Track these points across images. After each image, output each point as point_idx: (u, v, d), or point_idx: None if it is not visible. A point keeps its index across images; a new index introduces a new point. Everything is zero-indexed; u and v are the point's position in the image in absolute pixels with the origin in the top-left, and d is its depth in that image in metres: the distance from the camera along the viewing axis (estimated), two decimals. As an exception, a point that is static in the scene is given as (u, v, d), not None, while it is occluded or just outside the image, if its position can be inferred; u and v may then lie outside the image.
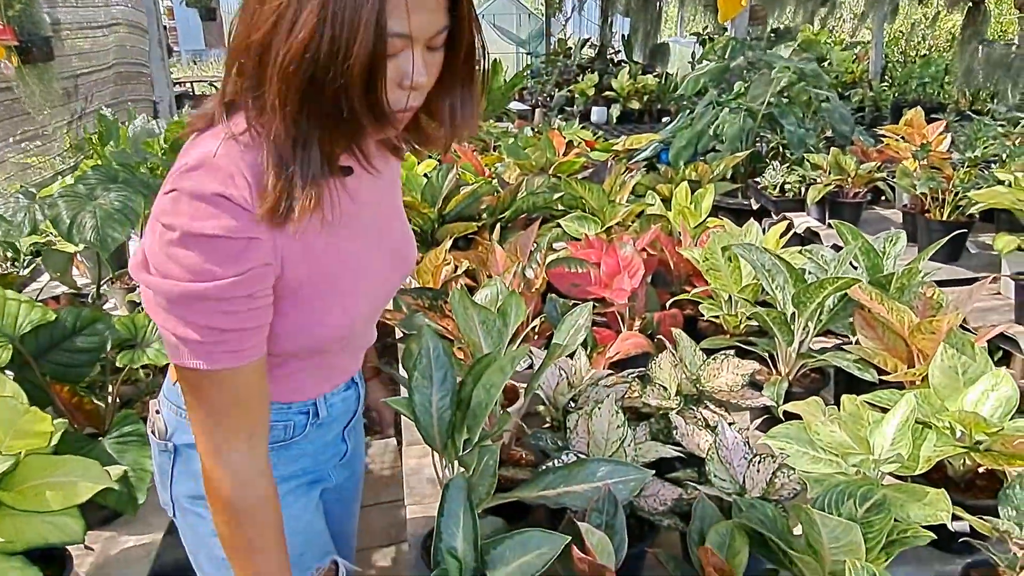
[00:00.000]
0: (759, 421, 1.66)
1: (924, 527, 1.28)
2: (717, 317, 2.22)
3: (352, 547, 1.30)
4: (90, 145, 3.48)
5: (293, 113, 0.79)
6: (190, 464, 1.07)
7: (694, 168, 3.09)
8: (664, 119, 7.05)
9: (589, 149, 3.88)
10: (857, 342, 1.88)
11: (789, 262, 1.90)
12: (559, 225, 2.62)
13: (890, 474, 1.48)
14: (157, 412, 1.12)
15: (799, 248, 2.31)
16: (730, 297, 2.23)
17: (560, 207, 2.78)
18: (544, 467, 1.35)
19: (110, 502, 1.61)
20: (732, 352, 1.76)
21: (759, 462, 1.41)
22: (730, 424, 1.48)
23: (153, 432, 1.13)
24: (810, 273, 2.11)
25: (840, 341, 2.15)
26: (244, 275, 0.82)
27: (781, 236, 2.50)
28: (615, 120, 7.12)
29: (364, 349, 1.19)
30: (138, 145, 3.30)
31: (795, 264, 1.99)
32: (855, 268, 2.12)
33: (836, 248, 2.41)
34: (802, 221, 3.72)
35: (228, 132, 0.83)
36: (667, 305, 2.20)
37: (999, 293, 2.94)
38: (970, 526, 1.48)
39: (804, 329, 1.94)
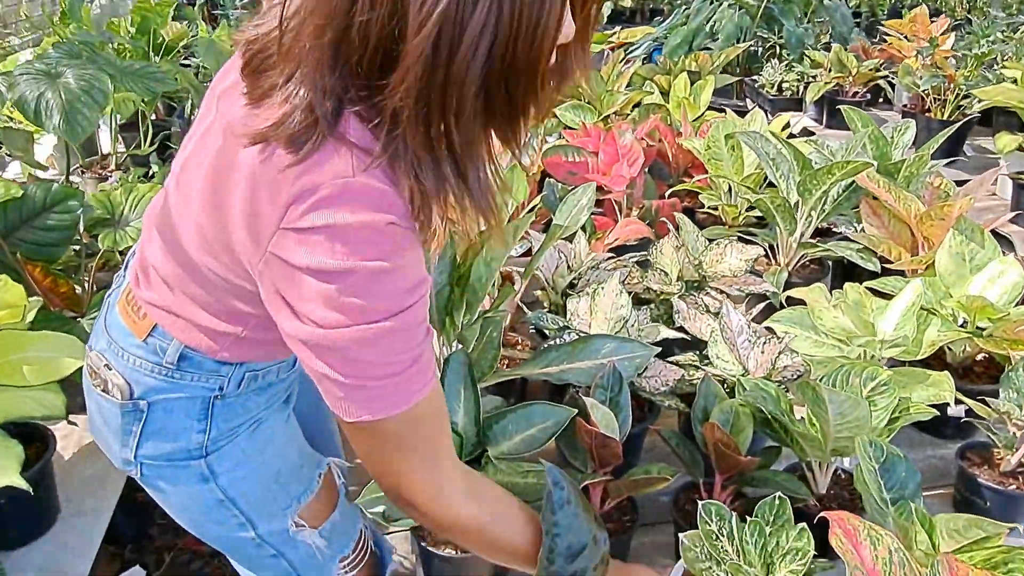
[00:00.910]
0: (760, 308, 1.63)
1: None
2: (716, 208, 2.16)
3: (338, 444, 1.19)
4: (51, 24, 3.26)
5: (464, 119, 0.61)
6: (169, 422, 0.88)
7: (694, 58, 2.98)
8: (656, 19, 6.79)
9: (582, 41, 3.70)
10: (862, 230, 1.84)
11: (797, 147, 1.83)
12: (554, 114, 2.51)
13: (890, 359, 1.46)
14: (107, 367, 0.88)
15: (804, 139, 2.23)
16: (730, 188, 2.16)
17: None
18: (546, 345, 1.31)
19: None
20: (735, 238, 1.70)
21: (763, 344, 1.38)
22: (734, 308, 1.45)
23: (105, 391, 0.88)
24: (815, 163, 2.05)
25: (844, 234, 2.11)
26: (425, 293, 0.70)
27: (782, 130, 2.42)
28: (606, 19, 6.84)
29: None
30: (102, 26, 3.09)
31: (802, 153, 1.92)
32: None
33: (839, 141, 2.34)
34: (798, 120, 3.62)
35: (353, 146, 0.64)
36: (666, 195, 2.13)
37: (995, 194, 2.91)
38: (965, 411, 1.48)
39: (807, 218, 1.88)
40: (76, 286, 1.79)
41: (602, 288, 1.39)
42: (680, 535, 1.00)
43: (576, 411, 1.09)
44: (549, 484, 0.86)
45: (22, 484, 1.05)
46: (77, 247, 1.88)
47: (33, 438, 1.43)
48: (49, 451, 1.45)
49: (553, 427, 1.08)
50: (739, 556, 0.96)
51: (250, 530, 0.93)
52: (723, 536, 0.97)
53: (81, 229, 1.82)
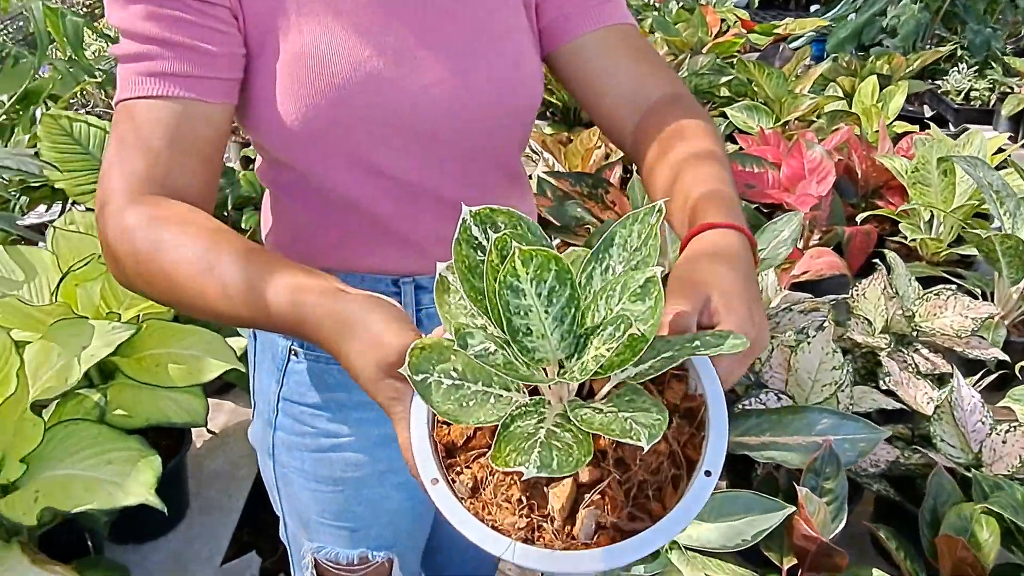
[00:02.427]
0: (982, 377, 1.37)
1: None
2: (913, 239, 1.88)
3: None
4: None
5: None
6: (263, 360, 0.87)
7: (887, 60, 2.65)
8: (813, 7, 6.30)
9: (747, 31, 3.41)
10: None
11: (1038, 183, 1.53)
12: (723, 115, 2.27)
13: None
14: None
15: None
16: (931, 217, 1.88)
17: (724, 93, 2.41)
18: (741, 407, 1.11)
19: (228, 376, 1.48)
20: (956, 289, 1.44)
21: (1006, 432, 1.13)
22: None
23: None
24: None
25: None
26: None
27: (994, 154, 2.09)
28: (757, 4, 6.40)
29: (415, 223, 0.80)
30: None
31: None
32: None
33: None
34: (990, 137, 3.21)
35: None
36: (857, 220, 1.87)
37: None
38: None
39: (1038, 267, 1.59)
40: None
41: (808, 342, 1.18)
42: None
43: (795, 508, 0.90)
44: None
45: (156, 503, 0.96)
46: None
47: (168, 433, 1.37)
48: (184, 447, 1.39)
49: (764, 523, 0.89)
50: None
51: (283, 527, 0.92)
52: None
53: (229, 207, 1.76)
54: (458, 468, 0.52)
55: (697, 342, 0.52)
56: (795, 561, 0.98)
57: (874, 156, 1.95)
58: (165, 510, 0.97)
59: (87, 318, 1.11)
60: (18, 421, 1.00)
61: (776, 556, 1.01)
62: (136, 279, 0.64)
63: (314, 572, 0.91)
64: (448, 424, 0.55)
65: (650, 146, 0.75)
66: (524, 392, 0.52)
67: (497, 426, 0.49)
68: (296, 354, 0.83)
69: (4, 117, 2.03)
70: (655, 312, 0.49)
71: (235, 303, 0.59)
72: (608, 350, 0.47)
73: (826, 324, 1.19)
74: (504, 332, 0.49)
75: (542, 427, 0.48)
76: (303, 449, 0.87)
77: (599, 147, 2.03)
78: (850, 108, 2.36)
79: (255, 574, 1.68)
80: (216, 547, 1.38)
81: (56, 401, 1.15)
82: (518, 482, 0.51)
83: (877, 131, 2.16)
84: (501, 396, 0.51)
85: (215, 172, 0.70)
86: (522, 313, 0.49)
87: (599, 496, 0.50)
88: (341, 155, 0.73)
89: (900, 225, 1.82)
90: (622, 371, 0.52)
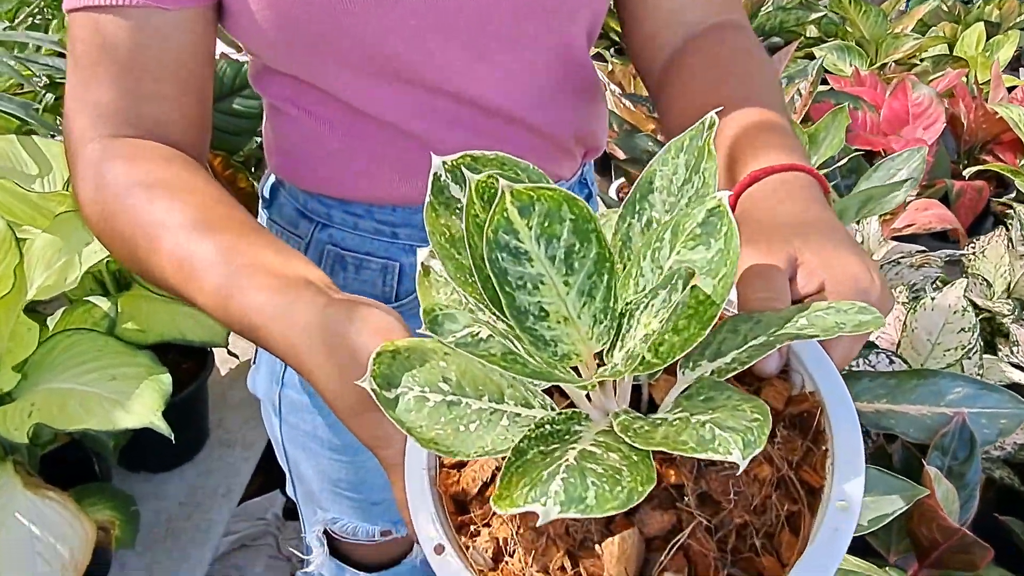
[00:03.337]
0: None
1: None
2: (1021, 200, 1.67)
3: None
4: None
5: None
6: None
7: (997, 4, 2.39)
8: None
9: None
10: None
11: None
12: (810, 56, 2.05)
13: None
14: None
15: None
16: (1049, 178, 1.65)
17: (812, 33, 2.18)
18: (848, 368, 0.94)
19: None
20: (1093, 251, 1.24)
21: None
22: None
23: None
24: None
25: None
26: None
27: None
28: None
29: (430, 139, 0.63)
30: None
31: None
32: None
33: None
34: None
35: None
36: (965, 175, 1.66)
37: None
38: None
39: None
40: (255, 183, 1.60)
41: (932, 299, 1.00)
42: None
43: (927, 491, 0.73)
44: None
45: (162, 428, 0.83)
46: (261, 140, 1.68)
47: (189, 354, 1.25)
48: (205, 371, 1.27)
49: (887, 507, 0.73)
50: None
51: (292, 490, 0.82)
52: None
53: (267, 119, 1.61)
54: (474, 528, 0.36)
55: (803, 319, 0.35)
56: (911, 553, 0.82)
57: (987, 105, 1.73)
58: (172, 436, 0.84)
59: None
60: (14, 325, 0.88)
61: (884, 546, 0.85)
62: (110, 248, 0.53)
63: (324, 542, 0.77)
64: (459, 468, 0.38)
65: (682, 77, 0.57)
66: (553, 409, 0.35)
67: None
68: None
69: (39, 15, 1.91)
70: (728, 257, 0.33)
71: (212, 309, 0.46)
72: (661, 322, 0.30)
73: (959, 282, 1.01)
74: (504, 316, 0.32)
75: (573, 448, 0.31)
76: (317, 412, 0.72)
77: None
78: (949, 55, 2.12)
79: (277, 514, 1.57)
80: (236, 483, 1.26)
81: (63, 309, 1.02)
82: (559, 540, 0.34)
83: (988, 81, 1.93)
84: (518, 415, 0.34)
85: (200, 100, 0.55)
86: (528, 286, 0.32)
87: (679, 553, 0.33)
88: (355, 54, 0.56)
89: (1018, 182, 1.61)
90: (693, 368, 0.35)
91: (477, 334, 0.31)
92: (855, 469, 0.35)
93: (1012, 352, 1.09)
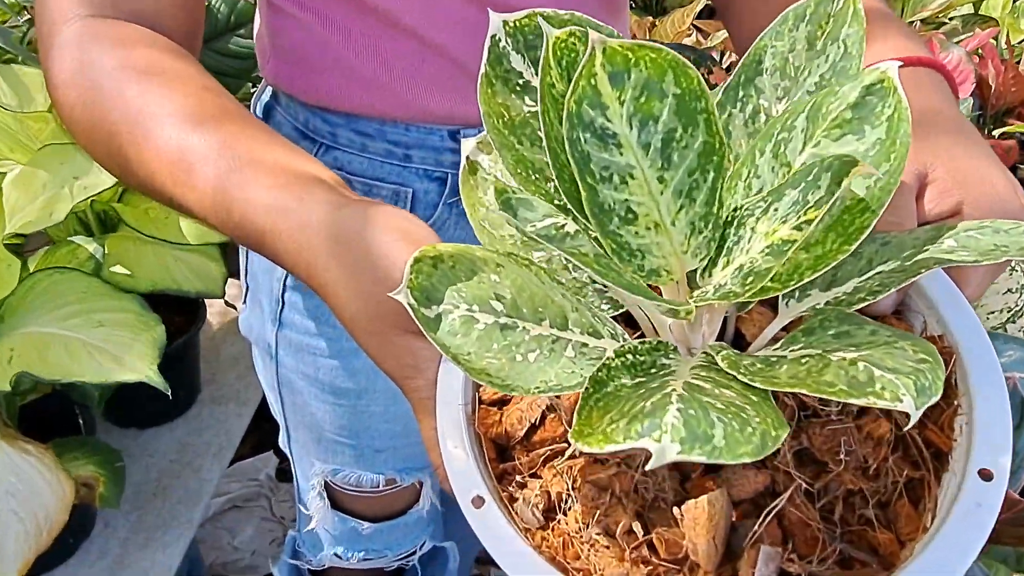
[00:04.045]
0: None
1: None
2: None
3: None
4: None
5: None
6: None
7: (1026, -34, 2.30)
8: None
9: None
10: None
11: None
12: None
13: None
14: None
15: None
16: (1080, 144, 1.59)
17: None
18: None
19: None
20: None
21: None
22: None
23: None
24: None
25: None
26: None
27: None
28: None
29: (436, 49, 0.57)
30: None
31: None
32: None
33: None
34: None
35: None
36: (995, 135, 1.59)
37: None
38: None
39: None
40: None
41: (977, 259, 0.94)
42: None
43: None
44: None
45: (158, 382, 0.76)
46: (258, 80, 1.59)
47: (180, 307, 1.18)
48: (198, 322, 1.20)
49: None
50: None
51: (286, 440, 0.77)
52: None
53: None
54: (519, 477, 0.30)
55: (951, 240, 0.28)
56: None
57: (1017, 68, 1.65)
58: (168, 391, 0.78)
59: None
60: (-10, 262, 0.81)
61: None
62: (87, 141, 0.45)
63: (325, 495, 0.71)
64: (501, 406, 0.31)
65: None
66: (626, 340, 0.29)
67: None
68: None
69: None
70: (892, 148, 0.26)
71: (208, 210, 0.40)
72: (800, 226, 0.23)
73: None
74: (584, 216, 0.25)
75: (672, 382, 0.24)
76: (316, 353, 0.66)
77: (690, 33, 1.75)
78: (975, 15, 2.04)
79: (271, 474, 1.51)
80: (228, 441, 1.20)
81: (44, 249, 0.95)
82: (625, 498, 0.28)
83: (1021, 41, 1.85)
84: (585, 346, 0.28)
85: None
86: (615, 179, 0.25)
87: (775, 522, 0.27)
88: None
89: (1048, 146, 1.55)
90: (800, 299, 0.28)
91: (563, 227, 0.24)
92: (1001, 431, 0.28)
93: (1052, 318, 1.03)
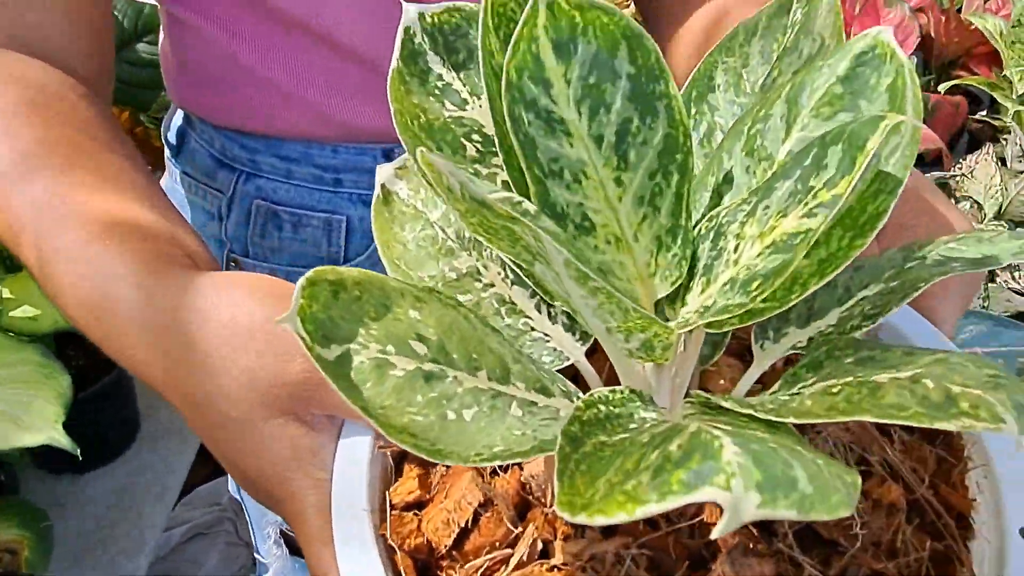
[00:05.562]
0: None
1: None
2: (999, 119, 1.59)
3: None
4: None
5: None
6: None
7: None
8: None
9: None
10: None
11: None
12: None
13: None
14: None
15: None
16: (1026, 90, 1.57)
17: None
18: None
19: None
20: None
21: None
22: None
23: None
24: None
25: None
26: None
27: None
28: None
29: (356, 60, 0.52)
30: None
31: None
32: None
33: None
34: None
35: None
36: (940, 90, 1.56)
37: None
38: None
39: None
40: (171, 142, 1.43)
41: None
42: None
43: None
44: None
45: (64, 442, 0.70)
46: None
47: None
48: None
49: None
50: None
51: None
52: None
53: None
54: None
55: (934, 254, 0.24)
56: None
57: (962, 16, 1.63)
58: (77, 451, 0.71)
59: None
60: None
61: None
62: None
63: (282, 542, 0.66)
64: (418, 509, 0.24)
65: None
66: (578, 397, 0.22)
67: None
68: (237, 263, 0.57)
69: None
70: (904, 114, 0.21)
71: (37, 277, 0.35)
72: (813, 211, 0.19)
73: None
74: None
75: (679, 427, 0.19)
76: None
77: (627, 4, 1.70)
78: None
79: (234, 495, 1.45)
80: (171, 480, 1.13)
81: (-63, 299, 0.87)
82: None
83: (956, -8, 1.82)
84: (534, 405, 0.21)
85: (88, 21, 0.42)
86: (566, 176, 0.20)
87: None
88: None
89: (996, 95, 1.53)
90: (776, 338, 0.25)
91: (511, 199, 0.18)
92: None
93: (1014, 277, 1.00)
